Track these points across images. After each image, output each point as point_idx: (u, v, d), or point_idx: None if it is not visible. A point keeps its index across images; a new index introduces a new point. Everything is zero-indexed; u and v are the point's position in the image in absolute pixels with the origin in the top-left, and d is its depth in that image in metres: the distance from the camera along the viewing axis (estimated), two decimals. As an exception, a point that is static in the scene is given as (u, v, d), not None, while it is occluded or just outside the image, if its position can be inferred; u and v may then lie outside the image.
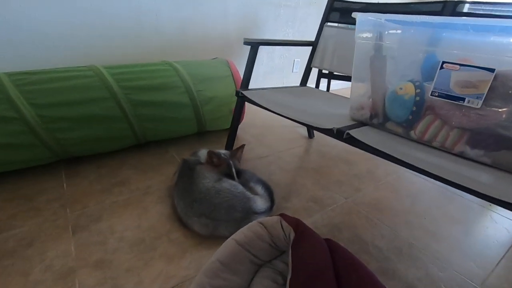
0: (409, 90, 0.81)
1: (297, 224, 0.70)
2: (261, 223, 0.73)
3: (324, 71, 1.95)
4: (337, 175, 1.36)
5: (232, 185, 1.02)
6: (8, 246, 0.86)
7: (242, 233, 0.73)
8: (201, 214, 0.93)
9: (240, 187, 1.03)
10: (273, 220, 0.73)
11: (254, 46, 1.24)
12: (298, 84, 1.59)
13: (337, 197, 1.19)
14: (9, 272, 0.77)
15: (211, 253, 0.89)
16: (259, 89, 1.31)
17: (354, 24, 1.46)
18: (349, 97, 1.41)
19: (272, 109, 1.04)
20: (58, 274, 0.78)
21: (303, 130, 1.90)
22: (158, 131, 1.44)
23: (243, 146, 1.21)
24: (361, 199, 1.19)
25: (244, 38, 1.24)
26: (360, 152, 1.56)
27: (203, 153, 1.16)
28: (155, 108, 1.35)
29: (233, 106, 1.66)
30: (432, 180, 1.36)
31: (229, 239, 0.73)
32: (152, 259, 0.85)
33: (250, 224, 0.75)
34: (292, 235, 0.69)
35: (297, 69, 2.59)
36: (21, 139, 1.09)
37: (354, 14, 0.89)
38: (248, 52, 1.25)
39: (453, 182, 0.64)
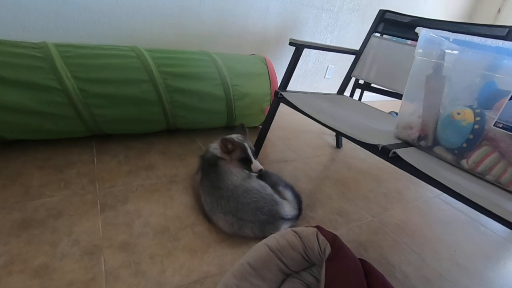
0: (468, 116, 0.76)
1: (334, 240, 0.68)
2: (295, 232, 0.71)
3: (360, 81, 1.91)
4: (364, 191, 1.32)
5: (261, 186, 1.00)
6: (38, 215, 0.87)
7: (275, 239, 0.70)
8: (227, 212, 0.92)
9: (269, 189, 1.01)
10: (308, 231, 0.70)
11: (300, 48, 1.21)
12: (331, 91, 1.55)
13: (363, 214, 1.15)
14: (38, 241, 0.78)
15: (234, 251, 0.87)
16: (297, 92, 1.28)
17: (400, 37, 1.44)
18: (387, 111, 1.37)
19: (313, 116, 1.01)
20: (85, 250, 0.78)
21: (331, 139, 1.86)
22: (189, 120, 1.44)
23: (242, 124, 1.19)
24: (388, 219, 1.15)
25: (290, 39, 1.21)
26: (389, 170, 1.51)
27: (215, 147, 1.10)
28: (189, 96, 1.34)
29: (265, 105, 1.63)
30: (464, 210, 1.32)
31: (261, 243, 0.71)
32: (176, 249, 0.84)
33: (283, 231, 0.73)
34: (328, 250, 0.66)
35: (330, 75, 2.53)
36: (59, 110, 1.10)
37: (418, 29, 0.85)
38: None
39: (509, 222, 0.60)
